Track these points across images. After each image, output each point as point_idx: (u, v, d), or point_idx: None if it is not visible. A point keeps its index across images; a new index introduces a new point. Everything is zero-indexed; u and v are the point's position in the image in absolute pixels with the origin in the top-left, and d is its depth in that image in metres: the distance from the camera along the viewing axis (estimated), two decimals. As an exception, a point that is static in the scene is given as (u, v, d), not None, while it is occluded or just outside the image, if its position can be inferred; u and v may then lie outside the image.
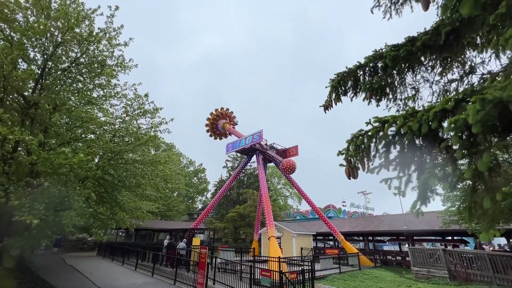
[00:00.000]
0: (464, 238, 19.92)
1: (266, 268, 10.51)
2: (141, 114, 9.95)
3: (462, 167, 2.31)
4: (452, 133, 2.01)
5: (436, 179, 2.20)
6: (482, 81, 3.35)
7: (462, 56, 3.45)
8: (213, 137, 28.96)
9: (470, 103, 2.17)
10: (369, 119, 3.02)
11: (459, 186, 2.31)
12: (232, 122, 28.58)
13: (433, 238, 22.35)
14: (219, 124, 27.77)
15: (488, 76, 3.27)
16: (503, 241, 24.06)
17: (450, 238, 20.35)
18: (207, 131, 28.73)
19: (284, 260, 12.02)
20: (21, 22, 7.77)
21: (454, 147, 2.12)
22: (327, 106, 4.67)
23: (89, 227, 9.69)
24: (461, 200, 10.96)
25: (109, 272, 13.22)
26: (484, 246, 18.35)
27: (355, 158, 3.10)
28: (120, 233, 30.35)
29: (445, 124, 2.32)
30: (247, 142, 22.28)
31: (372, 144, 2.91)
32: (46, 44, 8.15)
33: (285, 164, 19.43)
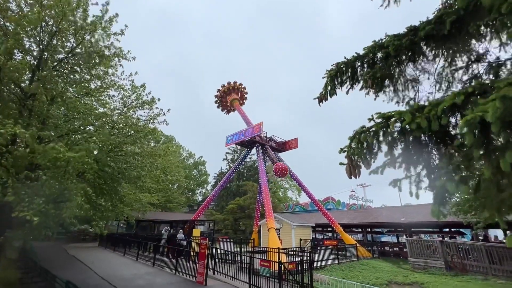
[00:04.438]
0: (461, 230, 20.16)
1: (265, 258, 10.67)
2: (139, 105, 9.87)
3: (477, 165, 2.22)
4: (465, 130, 1.92)
5: (453, 182, 2.12)
6: (489, 69, 3.27)
7: (468, 45, 3.36)
8: (220, 109, 28.15)
9: (483, 96, 2.10)
10: (372, 115, 2.90)
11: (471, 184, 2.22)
12: (242, 99, 27.49)
13: (430, 230, 22.63)
14: (228, 99, 26.81)
15: (496, 64, 3.18)
16: (499, 233, 24.30)
17: (447, 229, 20.60)
18: (216, 102, 27.89)
19: (283, 251, 12.19)
20: (15, 12, 7.60)
21: (466, 143, 2.05)
22: (321, 99, 4.56)
23: (90, 218, 9.77)
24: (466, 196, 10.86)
25: (111, 262, 13.42)
26: (480, 238, 18.57)
27: (357, 156, 2.98)
28: (121, 225, 30.68)
29: (453, 120, 2.27)
30: (247, 134, 22.25)
31: (375, 141, 2.81)
32: (41, 34, 7.99)
33: (278, 167, 19.67)
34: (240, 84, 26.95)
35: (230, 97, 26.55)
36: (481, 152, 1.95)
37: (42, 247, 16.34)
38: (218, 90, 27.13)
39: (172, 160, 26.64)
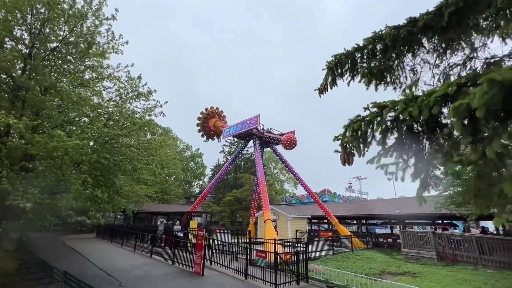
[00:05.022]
0: (453, 221, 20.61)
1: (262, 249, 10.83)
2: (135, 97, 9.73)
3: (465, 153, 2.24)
4: (454, 119, 1.93)
5: (440, 164, 2.16)
6: (485, 66, 3.26)
7: (466, 39, 3.34)
8: (205, 137, 28.67)
9: (475, 86, 2.10)
10: (367, 105, 2.94)
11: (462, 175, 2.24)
12: (223, 121, 28.54)
13: (423, 221, 23.08)
14: (210, 123, 27.77)
15: (492, 60, 3.18)
16: (490, 224, 24.93)
17: (440, 221, 21.02)
18: (199, 131, 28.57)
19: (280, 242, 12.37)
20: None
21: (456, 133, 2.06)
22: (322, 90, 4.55)
23: (87, 210, 9.76)
24: (458, 187, 11.05)
25: (109, 253, 13.52)
26: (472, 229, 19.04)
27: (351, 144, 3.04)
28: (119, 216, 30.76)
29: (445, 110, 2.27)
30: (244, 126, 22.18)
31: (369, 130, 2.85)
32: (32, 21, 7.77)
33: (286, 139, 19.64)
34: (221, 111, 28.93)
35: (212, 120, 27.85)
36: (470, 139, 1.97)
37: (39, 238, 16.37)
38: (202, 113, 28.35)
39: (169, 153, 26.64)
